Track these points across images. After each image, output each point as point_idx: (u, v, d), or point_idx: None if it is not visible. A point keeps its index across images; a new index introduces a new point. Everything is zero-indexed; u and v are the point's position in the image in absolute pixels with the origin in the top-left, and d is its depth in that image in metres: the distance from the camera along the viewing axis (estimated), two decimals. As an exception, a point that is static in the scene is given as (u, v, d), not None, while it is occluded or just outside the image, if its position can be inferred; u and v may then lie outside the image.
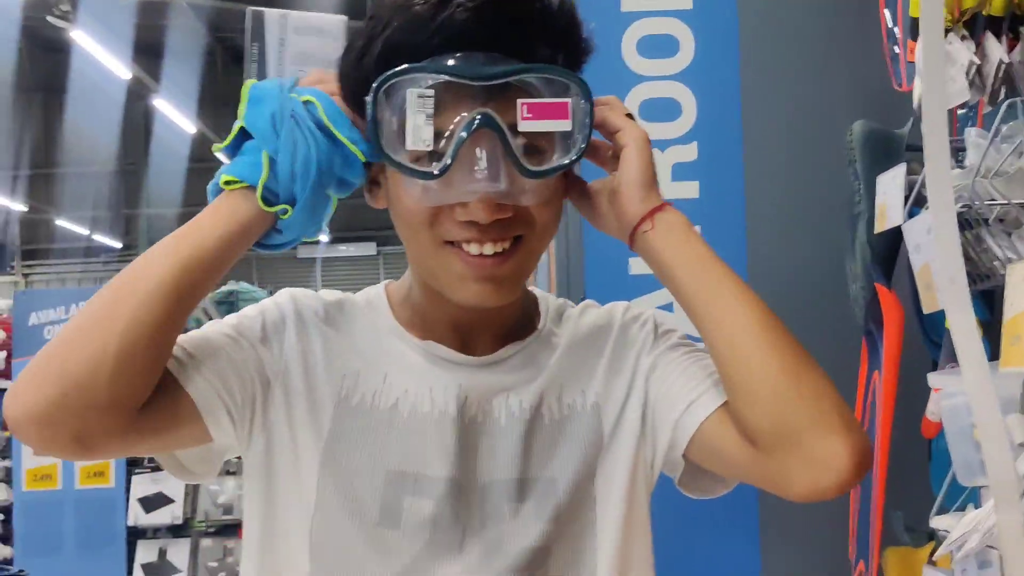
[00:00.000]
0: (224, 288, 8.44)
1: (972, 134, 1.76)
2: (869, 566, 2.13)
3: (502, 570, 1.22)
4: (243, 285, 8.72)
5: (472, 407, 1.26)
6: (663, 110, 2.64)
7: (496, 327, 1.30)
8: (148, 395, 1.12)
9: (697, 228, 1.25)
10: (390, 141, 1.13)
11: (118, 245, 21.92)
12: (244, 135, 1.16)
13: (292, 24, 1.42)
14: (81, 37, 10.53)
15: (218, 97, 19.13)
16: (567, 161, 1.16)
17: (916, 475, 2.16)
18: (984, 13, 2.03)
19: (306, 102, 1.13)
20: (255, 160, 1.13)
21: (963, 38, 2.03)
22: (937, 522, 1.77)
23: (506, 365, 1.30)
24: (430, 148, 1.11)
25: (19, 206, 20.14)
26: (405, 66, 1.12)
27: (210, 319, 5.47)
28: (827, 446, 1.13)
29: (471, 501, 1.24)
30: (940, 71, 1.58)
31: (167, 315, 1.11)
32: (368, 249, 21.71)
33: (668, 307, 2.61)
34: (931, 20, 1.59)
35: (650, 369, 1.31)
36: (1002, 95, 1.98)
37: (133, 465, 7.35)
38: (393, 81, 1.12)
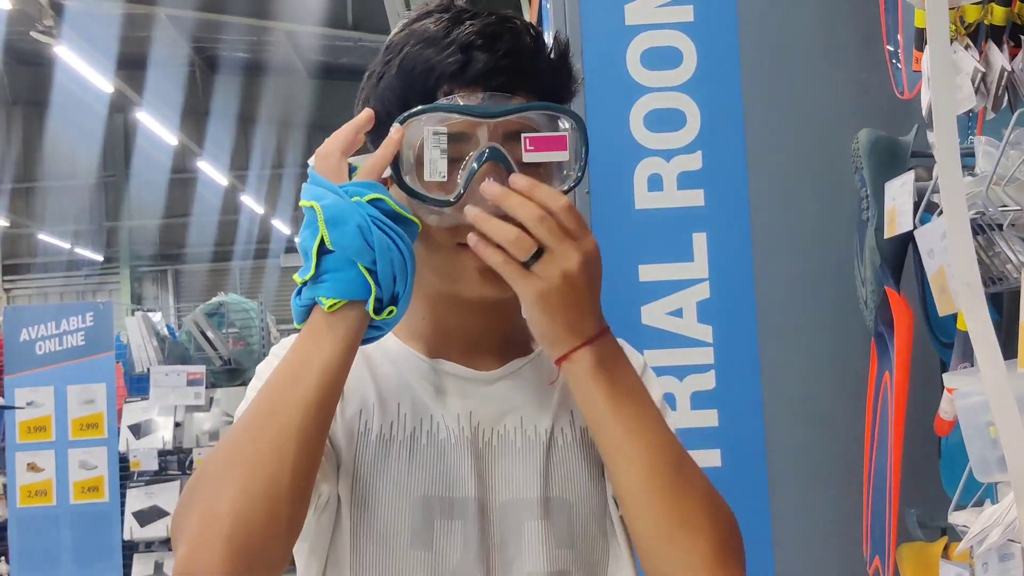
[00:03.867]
0: (214, 300, 8.47)
1: (982, 142, 1.82)
2: (885, 562, 2.18)
3: None
4: (232, 297, 8.76)
5: (487, 431, 1.34)
6: (668, 120, 2.70)
7: (498, 338, 1.37)
8: None
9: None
10: (409, 173, 1.23)
11: (99, 258, 21.91)
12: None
13: None
14: (64, 52, 10.51)
15: (198, 108, 19.19)
16: (566, 188, 1.26)
17: (927, 473, 2.21)
18: (986, 23, 2.09)
19: (372, 200, 1.17)
20: (348, 276, 1.16)
21: (967, 47, 2.09)
22: (955, 518, 1.82)
23: (514, 382, 1.37)
24: (445, 179, 1.23)
25: (0, 222, 20.10)
26: (420, 107, 1.23)
27: (201, 331, 5.46)
28: None
29: (491, 520, 1.31)
30: (949, 81, 1.65)
31: (319, 440, 1.18)
32: (350, 256, 21.77)
33: (678, 312, 2.68)
34: (938, 31, 1.65)
35: None
36: (1004, 101, 2.05)
37: (127, 479, 7.38)
38: (410, 120, 1.23)
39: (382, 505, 1.29)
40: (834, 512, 2.59)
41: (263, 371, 1.34)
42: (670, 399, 2.57)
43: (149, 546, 7.49)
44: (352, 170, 1.22)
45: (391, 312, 1.19)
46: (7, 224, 20.41)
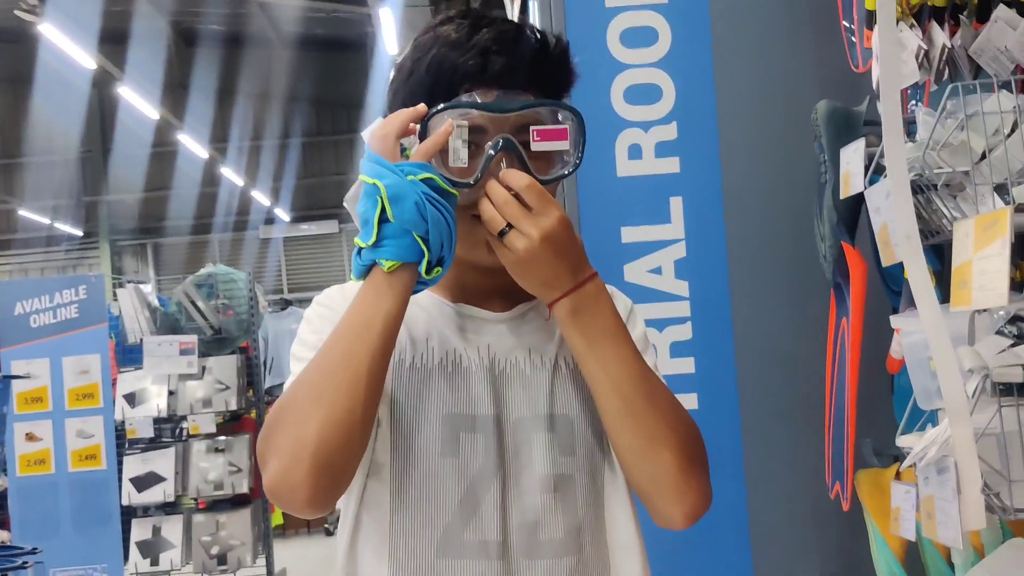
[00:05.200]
0: (203, 271, 8.58)
1: (920, 112, 2.05)
2: (844, 486, 2.42)
3: (536, 490, 1.54)
4: (220, 268, 8.83)
5: (501, 360, 1.59)
6: (645, 94, 2.91)
7: (507, 289, 1.58)
8: None
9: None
10: (435, 159, 1.46)
11: (79, 233, 21.83)
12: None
13: None
14: (48, 30, 10.54)
15: (177, 81, 19.17)
16: (567, 172, 1.53)
17: (881, 407, 2.43)
18: (929, 3, 2.32)
19: (425, 179, 1.41)
20: (405, 243, 1.41)
21: (911, 26, 2.32)
22: (902, 441, 2.04)
23: (524, 322, 1.62)
24: (466, 165, 1.46)
25: (-19, 198, 19.97)
26: (444, 104, 1.47)
27: (191, 301, 5.63)
28: (665, 510, 1.53)
29: (506, 432, 1.55)
30: (895, 60, 1.88)
31: (383, 377, 1.45)
32: (330, 227, 21.66)
33: (657, 270, 2.91)
34: (885, 14, 1.89)
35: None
36: (945, 75, 2.28)
37: (123, 447, 7.51)
38: (437, 114, 1.46)
39: (417, 422, 1.54)
40: (801, 446, 2.78)
41: (311, 316, 1.61)
42: (651, 348, 2.82)
43: (147, 511, 7.57)
44: (403, 149, 1.46)
45: (438, 271, 1.44)
46: (-13, 201, 20.35)
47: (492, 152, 1.46)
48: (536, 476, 1.54)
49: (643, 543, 1.61)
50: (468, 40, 1.51)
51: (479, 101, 1.48)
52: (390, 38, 11.13)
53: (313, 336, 1.54)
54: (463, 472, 1.53)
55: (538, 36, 1.56)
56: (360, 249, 1.45)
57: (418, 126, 1.47)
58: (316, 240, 22.22)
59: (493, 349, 1.59)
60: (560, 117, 1.50)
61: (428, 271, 1.43)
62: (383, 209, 1.41)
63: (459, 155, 1.45)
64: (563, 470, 1.56)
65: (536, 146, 1.48)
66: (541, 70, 1.54)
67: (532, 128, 1.48)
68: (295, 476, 1.38)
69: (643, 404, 1.50)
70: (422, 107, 1.49)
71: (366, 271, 1.46)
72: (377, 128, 1.49)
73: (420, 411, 1.54)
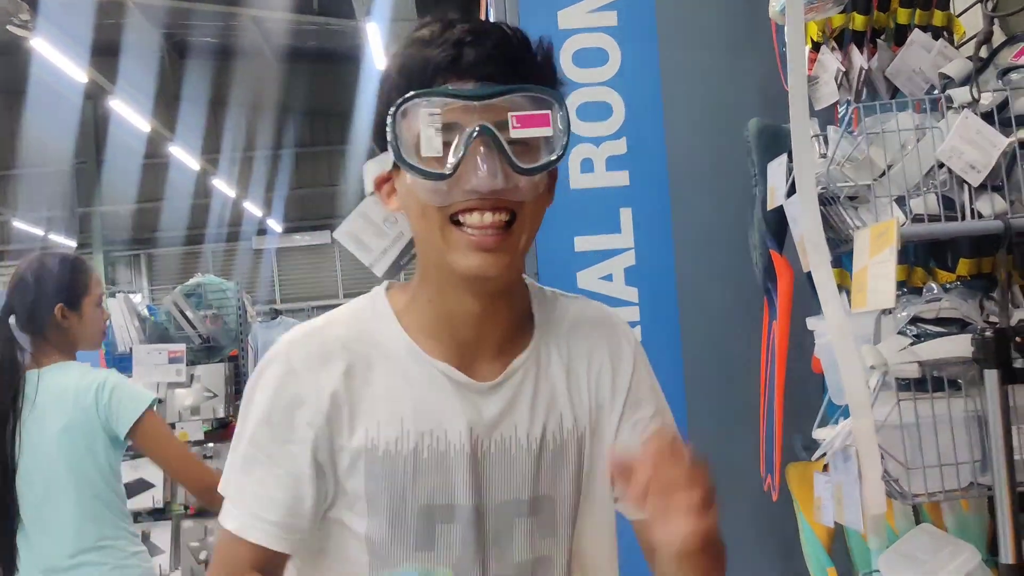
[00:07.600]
0: (192, 281, 8.68)
1: (831, 130, 2.22)
2: (774, 478, 2.57)
3: (514, 574, 1.49)
4: (209, 277, 8.91)
5: (484, 441, 1.47)
6: (596, 112, 3.06)
7: (499, 329, 1.50)
8: None
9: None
10: (408, 151, 1.37)
11: (73, 244, 21.95)
12: None
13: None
14: (40, 44, 10.69)
15: (169, 94, 19.31)
16: (554, 158, 1.39)
17: (811, 404, 2.58)
18: (849, 28, 2.49)
19: None
20: None
21: (833, 49, 2.49)
22: (817, 434, 2.21)
23: (513, 388, 1.50)
24: (440, 155, 1.35)
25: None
26: (414, 92, 1.36)
27: (180, 311, 5.71)
28: None
29: (486, 520, 1.47)
30: (802, 82, 2.04)
31: None
32: (322, 238, 21.83)
33: (608, 277, 3.06)
34: (795, 42, 2.05)
35: (631, 404, 1.59)
36: (864, 95, 2.45)
37: (113, 453, 7.63)
38: (407, 104, 1.36)
39: (391, 517, 1.46)
40: (746, 444, 2.86)
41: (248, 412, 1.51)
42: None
43: (136, 517, 7.71)
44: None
45: None
46: (-20, 214, 20.45)
47: (468, 141, 1.34)
48: (515, 561, 1.50)
49: None
50: (440, 36, 1.39)
51: (451, 89, 1.36)
52: (377, 52, 11.29)
53: (246, 438, 1.50)
54: (438, 563, 1.46)
55: (518, 33, 1.43)
56: None
57: (390, 120, 1.38)
58: (309, 251, 22.36)
59: (476, 431, 1.47)
60: (541, 104, 1.38)
61: None
62: None
63: (432, 144, 1.35)
64: (543, 552, 1.52)
65: (516, 133, 1.36)
66: (521, 62, 1.40)
67: (511, 114, 1.36)
68: None
69: None
70: None
71: None
72: None
73: (394, 503, 1.46)
